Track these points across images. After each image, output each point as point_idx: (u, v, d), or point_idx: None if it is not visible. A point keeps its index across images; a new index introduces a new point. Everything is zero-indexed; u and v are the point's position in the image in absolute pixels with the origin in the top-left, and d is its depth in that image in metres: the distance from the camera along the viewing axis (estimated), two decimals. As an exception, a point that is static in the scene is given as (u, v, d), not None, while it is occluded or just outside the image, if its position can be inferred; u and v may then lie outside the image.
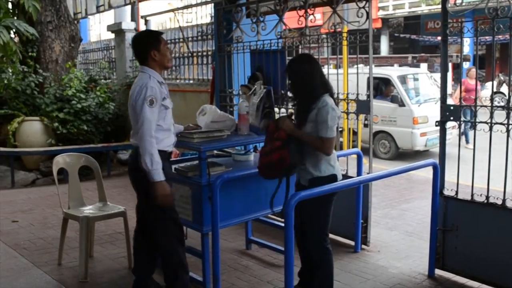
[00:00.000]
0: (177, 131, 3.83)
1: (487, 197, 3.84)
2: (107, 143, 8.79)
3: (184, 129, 4.03)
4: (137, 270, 3.86)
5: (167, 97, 3.57)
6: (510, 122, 3.69)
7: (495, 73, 16.03)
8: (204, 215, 3.78)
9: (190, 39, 8.72)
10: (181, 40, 8.89)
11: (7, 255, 4.85)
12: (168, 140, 3.59)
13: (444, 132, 4.16)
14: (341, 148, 5.37)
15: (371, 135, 4.95)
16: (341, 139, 6.33)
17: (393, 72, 10.97)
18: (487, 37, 4.65)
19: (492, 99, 3.92)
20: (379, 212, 6.03)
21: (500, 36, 3.97)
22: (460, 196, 4.04)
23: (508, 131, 3.69)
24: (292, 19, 5.29)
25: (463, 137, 9.55)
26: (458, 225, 4.03)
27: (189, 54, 8.76)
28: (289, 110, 3.58)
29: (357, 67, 5.08)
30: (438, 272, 4.20)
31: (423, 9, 21.05)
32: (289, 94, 3.66)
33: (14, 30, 8.38)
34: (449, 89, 11.64)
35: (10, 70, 9.02)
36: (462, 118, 3.99)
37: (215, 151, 4.61)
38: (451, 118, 4.04)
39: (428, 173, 4.40)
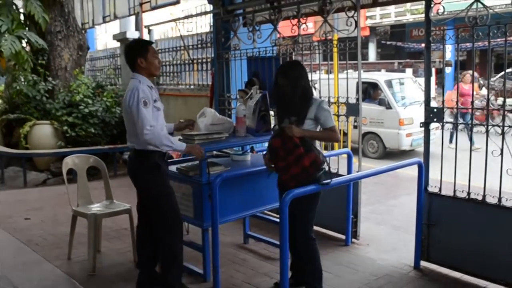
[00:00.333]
0: (168, 131, 3.79)
1: (469, 193, 3.85)
2: (114, 145, 8.77)
3: (174, 126, 3.97)
4: (141, 264, 3.86)
5: (157, 99, 3.58)
6: (490, 123, 3.70)
7: (475, 77, 16.03)
8: (204, 212, 3.78)
9: (190, 47, 8.72)
10: (182, 48, 8.89)
11: (20, 250, 4.84)
12: None
13: (428, 133, 4.17)
14: (332, 148, 5.37)
15: (360, 136, 4.96)
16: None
17: (380, 77, 10.98)
18: (467, 44, 4.66)
19: (472, 102, 3.93)
20: (368, 208, 6.03)
21: (479, 43, 3.97)
22: (443, 193, 4.05)
23: (487, 131, 3.70)
24: (286, 27, 5.31)
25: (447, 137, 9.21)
26: (441, 220, 4.04)
27: (190, 61, 8.75)
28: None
29: (347, 73, 5.09)
30: (423, 263, 4.20)
31: (408, 18, 21.07)
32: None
33: (25, 40, 8.36)
34: (433, 93, 11.68)
35: (22, 78, 9.01)
36: (445, 120, 3.99)
37: (215, 152, 4.61)
38: (435, 119, 4.05)
39: (413, 171, 4.39)
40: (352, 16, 4.54)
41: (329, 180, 3.42)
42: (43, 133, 8.59)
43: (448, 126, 3.97)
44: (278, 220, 3.43)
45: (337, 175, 4.83)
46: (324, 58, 5.94)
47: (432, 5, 3.94)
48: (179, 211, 3.69)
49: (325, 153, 4.88)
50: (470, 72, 10.03)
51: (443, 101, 4.03)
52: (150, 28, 9.61)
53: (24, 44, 8.56)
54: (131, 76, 3.59)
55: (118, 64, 11.45)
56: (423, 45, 4.27)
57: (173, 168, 4.04)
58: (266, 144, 4.87)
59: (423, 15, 4.06)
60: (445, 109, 4.00)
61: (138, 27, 10.23)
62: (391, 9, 21.05)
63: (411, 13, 20.65)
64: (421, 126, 4.18)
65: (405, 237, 4.92)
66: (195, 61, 8.63)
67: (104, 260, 4.52)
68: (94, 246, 4.22)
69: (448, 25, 3.90)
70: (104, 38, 22.29)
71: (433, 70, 12.03)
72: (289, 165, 3.35)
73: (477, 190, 3.81)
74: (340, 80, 8.04)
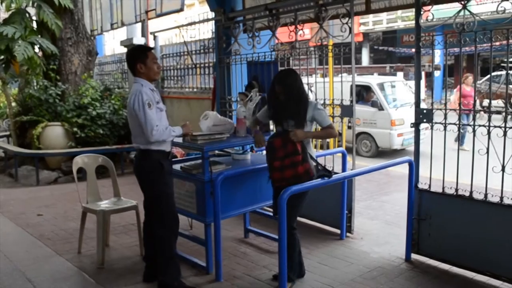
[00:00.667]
0: (178, 132, 3.68)
1: (456, 190, 3.85)
2: (121, 145, 8.75)
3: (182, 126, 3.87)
4: (148, 258, 3.85)
5: (160, 101, 3.59)
6: (476, 123, 3.70)
7: (462, 80, 16.02)
8: (207, 208, 3.77)
9: (193, 52, 8.72)
10: (185, 53, 8.88)
11: (33, 244, 4.84)
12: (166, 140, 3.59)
13: (418, 133, 4.16)
14: (327, 148, 5.37)
15: (354, 136, 4.96)
16: (327, 140, 6.32)
17: (373, 80, 10.96)
18: (455, 49, 4.65)
19: (460, 104, 3.93)
20: (361, 204, 6.03)
21: (466, 48, 3.97)
22: (433, 189, 4.05)
23: (474, 131, 3.70)
24: (283, 34, 5.31)
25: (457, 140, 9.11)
26: (431, 215, 4.04)
27: (193, 66, 8.75)
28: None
29: (341, 76, 5.09)
30: (414, 256, 4.20)
31: (399, 24, 21.09)
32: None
33: (38, 46, 8.36)
34: (423, 95, 11.68)
35: (35, 82, 9.01)
36: (434, 120, 3.99)
37: (216, 151, 4.61)
38: (424, 120, 4.05)
39: (404, 169, 4.39)
40: (346, 23, 4.54)
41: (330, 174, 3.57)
42: (54, 134, 8.58)
43: (453, 128, 3.90)
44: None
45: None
46: (319, 62, 5.93)
47: (421, 12, 3.94)
48: (176, 210, 3.68)
49: (321, 152, 4.91)
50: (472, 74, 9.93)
51: (432, 103, 4.03)
52: (155, 34, 9.61)
53: (36, 50, 8.56)
54: (133, 80, 3.59)
55: (125, 68, 11.44)
56: (413, 50, 4.27)
57: (177, 166, 4.04)
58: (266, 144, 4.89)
59: (413, 21, 4.06)
60: (434, 111, 4.00)
61: (144, 33, 10.21)
62: (383, 16, 21.07)
63: (402, 20, 20.68)
64: (411, 127, 4.18)
65: (396, 231, 4.92)
66: (197, 65, 8.63)
67: (112, 254, 4.52)
68: (102, 240, 4.22)
69: (437, 31, 3.90)
70: (112, 44, 22.28)
71: (423, 73, 12.05)
72: (283, 167, 3.39)
73: (465, 187, 3.81)
74: (335, 83, 8.05)
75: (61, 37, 9.12)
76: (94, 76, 10.23)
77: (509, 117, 3.52)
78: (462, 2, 3.65)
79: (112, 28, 11.00)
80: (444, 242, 3.95)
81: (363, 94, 10.66)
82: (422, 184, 4.12)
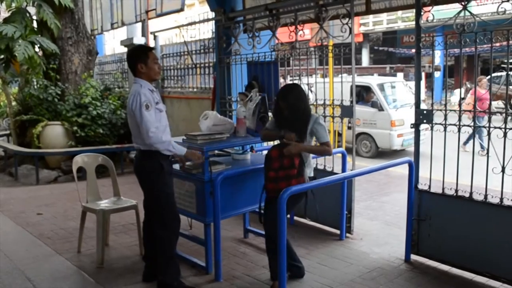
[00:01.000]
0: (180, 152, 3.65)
1: (456, 191, 3.85)
2: (121, 144, 8.76)
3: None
4: (147, 257, 3.85)
5: (159, 101, 3.57)
6: (476, 124, 3.70)
7: (462, 81, 16.02)
8: (206, 208, 3.77)
9: (193, 52, 8.71)
10: (186, 53, 8.88)
11: (33, 243, 4.84)
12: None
13: (418, 133, 4.16)
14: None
15: (354, 136, 4.96)
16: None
17: (373, 80, 10.97)
18: (455, 50, 4.65)
19: (460, 104, 3.93)
20: (361, 204, 6.03)
21: (467, 49, 3.96)
22: (432, 190, 4.04)
23: (474, 132, 3.70)
24: (284, 34, 5.30)
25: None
26: (431, 215, 4.03)
27: (193, 65, 8.75)
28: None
29: (341, 76, 5.09)
30: (413, 257, 4.20)
31: (399, 25, 21.11)
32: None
33: (38, 45, 8.36)
34: (423, 95, 11.66)
35: (35, 81, 9.01)
36: (434, 121, 3.98)
37: (216, 151, 4.60)
38: (424, 121, 4.05)
39: (404, 169, 4.39)
40: (347, 23, 4.54)
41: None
42: (54, 133, 8.58)
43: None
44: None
45: (332, 173, 4.84)
46: (320, 62, 5.93)
47: (422, 13, 3.94)
48: (177, 211, 3.68)
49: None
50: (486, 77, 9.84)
51: (432, 104, 4.03)
52: (156, 34, 9.61)
53: (36, 49, 8.56)
54: (133, 81, 3.58)
55: (125, 68, 11.44)
56: (413, 50, 4.27)
57: (177, 166, 4.03)
58: (266, 144, 4.89)
59: (414, 22, 4.06)
60: (434, 111, 4.00)
61: (144, 33, 10.22)
62: (383, 16, 21.09)
63: (402, 21, 20.69)
64: (411, 127, 4.18)
65: (396, 232, 4.92)
66: (198, 65, 8.63)
67: (112, 253, 4.51)
68: (102, 240, 4.22)
69: (437, 31, 3.90)
70: (112, 43, 22.31)
71: (423, 74, 12.05)
72: (277, 178, 3.41)
73: (465, 188, 3.80)
74: (335, 83, 8.04)
75: (61, 37, 9.13)
76: (94, 75, 10.23)
77: (509, 118, 3.52)
78: (463, 3, 3.65)
79: (112, 28, 10.99)
80: (444, 243, 3.94)
81: (363, 94, 10.66)
82: (422, 185, 4.12)
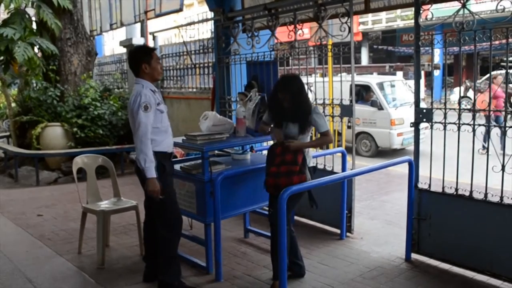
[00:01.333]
0: None
1: (456, 190, 3.85)
2: (121, 145, 8.76)
3: None
4: (148, 258, 3.85)
5: (161, 102, 3.57)
6: (476, 123, 3.69)
7: (462, 79, 16.05)
8: (207, 208, 3.77)
9: (193, 52, 8.71)
10: (185, 53, 8.88)
11: (34, 245, 4.84)
12: (167, 141, 3.58)
13: (418, 132, 4.16)
14: (327, 148, 5.36)
15: (353, 135, 4.95)
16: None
17: (372, 79, 10.97)
18: (454, 48, 4.64)
19: (460, 103, 3.92)
20: (361, 204, 6.03)
21: (466, 47, 3.96)
22: (432, 189, 4.04)
23: (474, 130, 3.70)
24: (283, 33, 5.30)
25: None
26: (431, 214, 4.03)
27: (192, 66, 8.74)
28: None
29: (341, 76, 5.08)
30: (414, 256, 4.20)
31: (399, 23, 21.11)
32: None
33: (37, 46, 8.36)
34: (422, 94, 11.64)
35: (34, 83, 9.01)
36: (434, 120, 3.98)
37: (216, 151, 4.61)
38: (424, 119, 4.05)
39: (404, 168, 4.39)
40: (346, 22, 4.54)
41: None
42: (54, 134, 8.58)
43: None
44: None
45: (332, 172, 4.84)
46: (319, 62, 5.95)
47: (421, 11, 3.94)
48: (179, 211, 3.67)
49: (321, 152, 4.90)
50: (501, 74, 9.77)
51: (431, 102, 4.03)
52: (155, 34, 9.61)
53: (36, 50, 8.56)
54: (134, 81, 3.57)
55: (124, 68, 11.45)
56: (412, 49, 4.26)
57: (177, 167, 4.04)
58: (265, 144, 4.89)
59: (413, 21, 4.06)
60: (434, 110, 3.99)
61: (143, 33, 10.21)
62: (383, 15, 21.08)
63: (401, 19, 20.69)
64: (411, 126, 4.18)
65: (396, 231, 4.91)
66: (197, 65, 8.63)
67: (112, 254, 4.51)
68: (102, 240, 4.21)
69: (436, 30, 3.90)
70: (111, 44, 22.31)
71: (422, 73, 12.04)
72: (279, 173, 3.40)
73: (465, 187, 3.80)
74: (334, 82, 8.04)
75: (61, 38, 9.13)
76: (93, 76, 10.24)
77: (509, 116, 3.51)
78: (462, 1, 3.64)
79: (111, 29, 11.00)
80: (444, 242, 3.94)
81: (362, 93, 10.66)
82: (422, 184, 4.12)
